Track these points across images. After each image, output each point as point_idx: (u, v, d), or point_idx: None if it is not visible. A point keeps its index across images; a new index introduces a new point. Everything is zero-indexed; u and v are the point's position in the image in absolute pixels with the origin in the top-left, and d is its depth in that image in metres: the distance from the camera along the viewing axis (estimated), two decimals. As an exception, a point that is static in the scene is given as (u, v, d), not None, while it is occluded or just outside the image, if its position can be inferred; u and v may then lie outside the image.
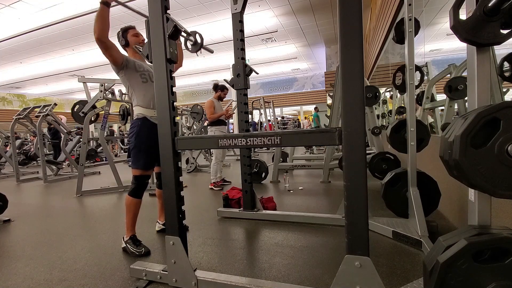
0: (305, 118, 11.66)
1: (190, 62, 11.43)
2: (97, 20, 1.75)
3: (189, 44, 2.70)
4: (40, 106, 5.62)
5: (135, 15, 1.90)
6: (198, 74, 13.79)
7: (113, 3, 1.82)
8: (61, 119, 7.30)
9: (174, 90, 1.48)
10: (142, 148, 1.94)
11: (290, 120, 15.82)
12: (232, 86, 2.55)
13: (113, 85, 4.08)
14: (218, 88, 4.08)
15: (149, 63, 2.03)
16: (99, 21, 1.76)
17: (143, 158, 1.94)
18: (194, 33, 2.77)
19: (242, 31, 2.44)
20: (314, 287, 1.42)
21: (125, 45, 2.09)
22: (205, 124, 4.13)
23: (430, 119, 3.97)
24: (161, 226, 2.31)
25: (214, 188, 3.93)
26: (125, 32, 2.09)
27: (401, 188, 2.07)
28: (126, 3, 2.06)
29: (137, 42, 2.09)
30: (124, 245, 1.95)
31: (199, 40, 2.78)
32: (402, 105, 5.06)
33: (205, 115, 6.22)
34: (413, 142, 1.92)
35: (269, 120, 9.65)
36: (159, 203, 2.29)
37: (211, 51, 2.99)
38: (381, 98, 6.41)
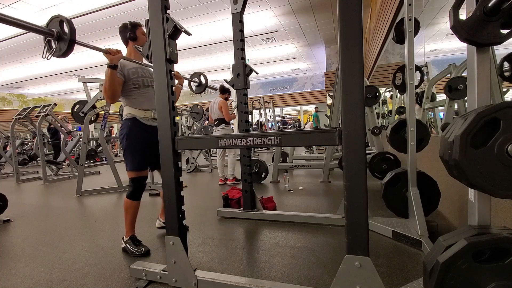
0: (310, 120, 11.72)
1: (190, 62, 11.44)
2: (108, 84, 1.77)
3: (193, 85, 2.68)
4: (40, 106, 5.62)
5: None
6: (198, 74, 13.79)
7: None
8: (68, 125, 7.31)
9: (174, 90, 1.48)
10: (134, 148, 1.90)
11: (289, 120, 15.81)
12: (232, 86, 2.55)
13: (113, 85, 4.07)
14: (226, 92, 4.30)
15: (147, 64, 2.02)
16: (111, 85, 1.77)
17: (137, 159, 1.91)
18: (198, 75, 2.75)
19: (242, 31, 2.44)
20: (314, 287, 1.42)
21: (132, 39, 2.03)
22: (215, 123, 4.24)
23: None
24: (162, 223, 2.31)
25: (228, 183, 4.22)
26: (135, 28, 2.04)
27: (401, 188, 2.07)
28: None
29: (144, 43, 2.04)
30: (123, 245, 1.95)
31: (203, 81, 2.77)
32: (402, 105, 5.06)
33: (205, 115, 6.23)
34: (413, 142, 1.92)
35: (268, 120, 9.66)
36: (163, 201, 2.23)
37: (216, 89, 2.99)
38: (381, 98, 6.41)
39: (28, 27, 1.30)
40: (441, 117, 3.80)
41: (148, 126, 1.96)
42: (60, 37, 1.40)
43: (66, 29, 1.42)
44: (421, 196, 1.91)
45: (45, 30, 1.37)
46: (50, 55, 1.44)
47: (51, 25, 1.43)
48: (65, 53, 1.43)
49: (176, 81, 2.11)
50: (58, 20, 1.41)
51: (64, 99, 17.57)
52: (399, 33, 2.11)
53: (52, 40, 1.43)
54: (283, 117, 16.09)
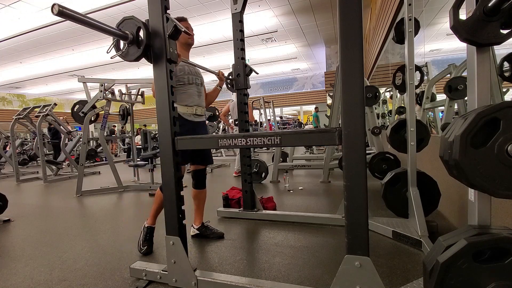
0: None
1: (190, 62, 11.43)
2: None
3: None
4: (40, 106, 5.62)
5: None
6: (198, 74, 13.81)
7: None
8: (68, 124, 7.32)
9: (174, 90, 1.47)
10: None
11: (290, 120, 15.78)
12: (232, 86, 2.55)
13: (113, 85, 4.07)
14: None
15: (191, 62, 2.00)
16: None
17: None
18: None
19: (242, 31, 2.44)
20: (314, 287, 1.42)
21: None
22: (236, 123, 4.70)
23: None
24: (196, 231, 2.17)
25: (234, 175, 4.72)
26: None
27: (401, 188, 2.07)
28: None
29: (187, 41, 1.98)
30: (142, 227, 2.00)
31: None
32: (402, 105, 5.06)
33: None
34: (413, 142, 1.92)
35: (269, 120, 9.67)
36: (194, 205, 2.19)
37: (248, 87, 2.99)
38: (381, 98, 6.41)
39: (102, 28, 1.22)
40: (441, 116, 3.80)
41: (190, 122, 1.97)
42: (132, 42, 1.34)
43: (142, 35, 1.35)
44: (421, 196, 1.90)
45: (118, 32, 1.30)
46: (116, 55, 1.39)
47: (125, 25, 1.35)
48: (132, 61, 1.39)
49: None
50: (136, 25, 1.34)
51: (64, 99, 17.57)
52: (399, 33, 2.10)
53: (122, 42, 1.37)
54: (281, 117, 16.03)
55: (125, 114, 5.08)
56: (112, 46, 1.38)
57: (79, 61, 10.42)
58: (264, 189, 3.75)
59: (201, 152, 2.05)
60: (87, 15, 1.15)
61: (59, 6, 1.00)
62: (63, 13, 1.03)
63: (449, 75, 3.29)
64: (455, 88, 2.82)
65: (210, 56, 10.89)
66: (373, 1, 7.19)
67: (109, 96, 4.15)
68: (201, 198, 2.17)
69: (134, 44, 1.35)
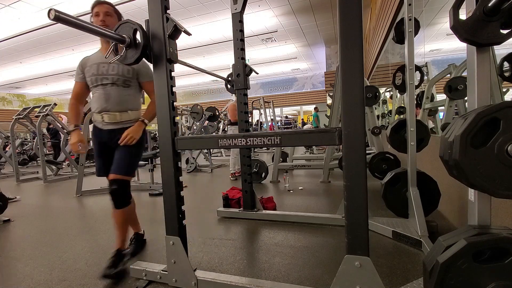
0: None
1: (190, 62, 11.43)
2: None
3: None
4: (40, 106, 5.62)
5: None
6: (198, 74, 13.79)
7: None
8: (62, 119, 7.32)
9: (174, 90, 1.47)
10: (95, 153, 1.82)
11: (290, 120, 15.76)
12: (232, 86, 2.55)
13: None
14: None
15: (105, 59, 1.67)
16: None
17: (96, 164, 1.82)
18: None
19: (242, 31, 2.44)
20: (314, 287, 1.42)
21: None
22: (227, 123, 4.78)
23: (431, 124, 3.95)
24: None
25: (231, 178, 4.57)
26: (91, 12, 1.78)
27: (401, 188, 2.07)
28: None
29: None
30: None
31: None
32: (402, 105, 5.06)
33: (205, 115, 6.24)
34: (413, 142, 1.92)
35: (271, 119, 9.66)
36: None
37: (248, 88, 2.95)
38: (381, 98, 6.41)
39: (99, 32, 1.21)
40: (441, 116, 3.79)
41: (101, 130, 1.75)
42: (130, 45, 1.33)
43: (139, 39, 1.34)
44: (421, 196, 1.90)
45: (115, 36, 1.28)
46: (114, 60, 1.38)
47: (122, 29, 1.33)
48: (132, 63, 1.38)
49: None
50: (132, 28, 1.33)
51: (64, 99, 17.55)
52: (399, 33, 2.10)
53: (120, 46, 1.36)
54: (286, 117, 15.98)
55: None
56: (110, 50, 1.38)
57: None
58: (264, 189, 3.75)
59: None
60: (84, 20, 1.14)
61: (56, 11, 1.00)
62: (60, 18, 1.03)
63: (449, 75, 3.29)
64: (455, 88, 2.82)
65: (210, 56, 10.88)
66: (373, 1, 7.18)
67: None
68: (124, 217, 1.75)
69: (132, 46, 1.35)
